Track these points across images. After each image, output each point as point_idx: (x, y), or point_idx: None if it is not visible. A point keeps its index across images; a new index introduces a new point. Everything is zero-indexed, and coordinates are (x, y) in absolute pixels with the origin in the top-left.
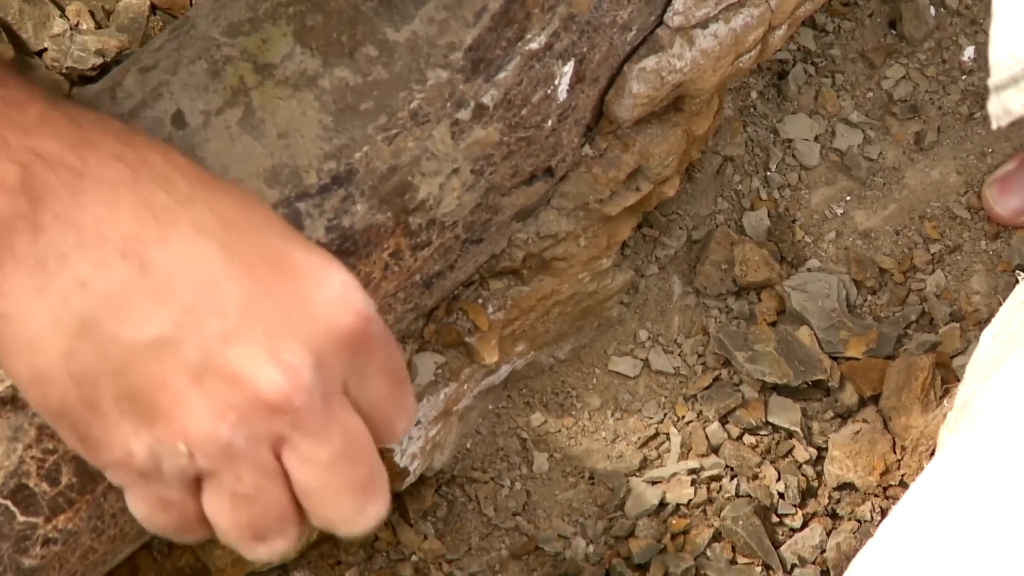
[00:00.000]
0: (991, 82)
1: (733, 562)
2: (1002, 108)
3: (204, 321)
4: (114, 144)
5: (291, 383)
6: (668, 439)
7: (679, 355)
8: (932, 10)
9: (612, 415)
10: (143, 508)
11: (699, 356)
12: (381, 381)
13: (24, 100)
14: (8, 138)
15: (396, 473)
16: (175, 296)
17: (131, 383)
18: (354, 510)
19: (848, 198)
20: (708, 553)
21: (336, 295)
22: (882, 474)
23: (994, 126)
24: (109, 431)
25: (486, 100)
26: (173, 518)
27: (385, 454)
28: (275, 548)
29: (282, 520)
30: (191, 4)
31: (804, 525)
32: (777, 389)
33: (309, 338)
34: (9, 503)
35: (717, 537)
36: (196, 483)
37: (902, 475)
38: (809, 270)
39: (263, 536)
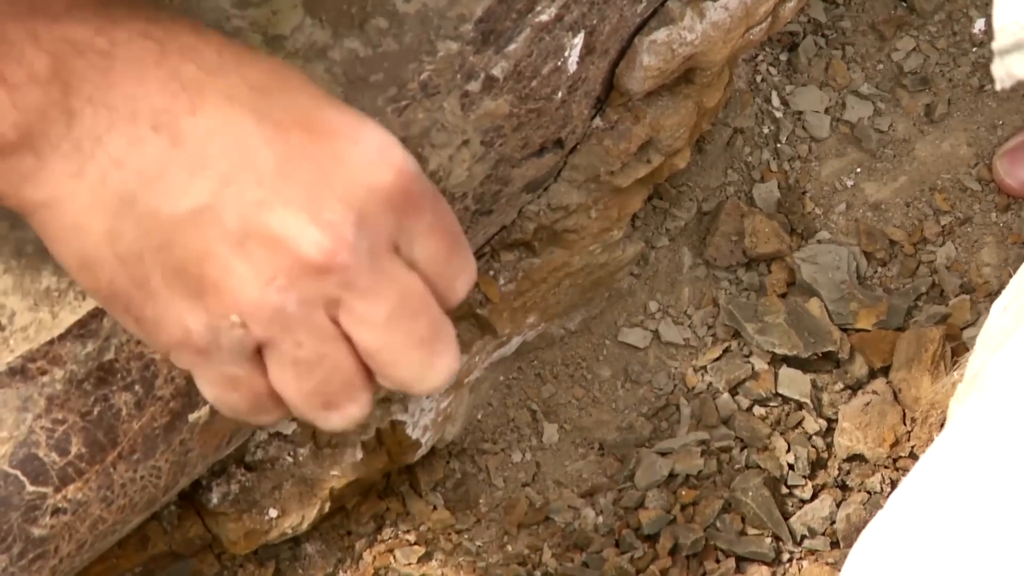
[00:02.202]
0: (995, 46)
1: (743, 533)
2: (1006, 72)
3: (241, 187)
4: (141, 22)
5: (334, 241)
6: (678, 410)
7: (689, 326)
8: None
9: (622, 386)
10: (212, 389)
11: (709, 327)
12: (434, 239)
13: None
14: (38, 30)
15: (408, 445)
16: (210, 165)
17: (176, 257)
18: (422, 365)
19: (858, 170)
20: (718, 524)
21: (374, 152)
22: (892, 445)
23: (998, 87)
24: (162, 310)
25: (496, 72)
26: (244, 395)
27: (396, 427)
28: (348, 415)
29: (350, 385)
30: None
31: (814, 496)
32: (787, 360)
33: (349, 196)
34: (18, 473)
35: (727, 508)
36: (258, 356)
37: (912, 446)
38: (819, 242)
39: (333, 403)
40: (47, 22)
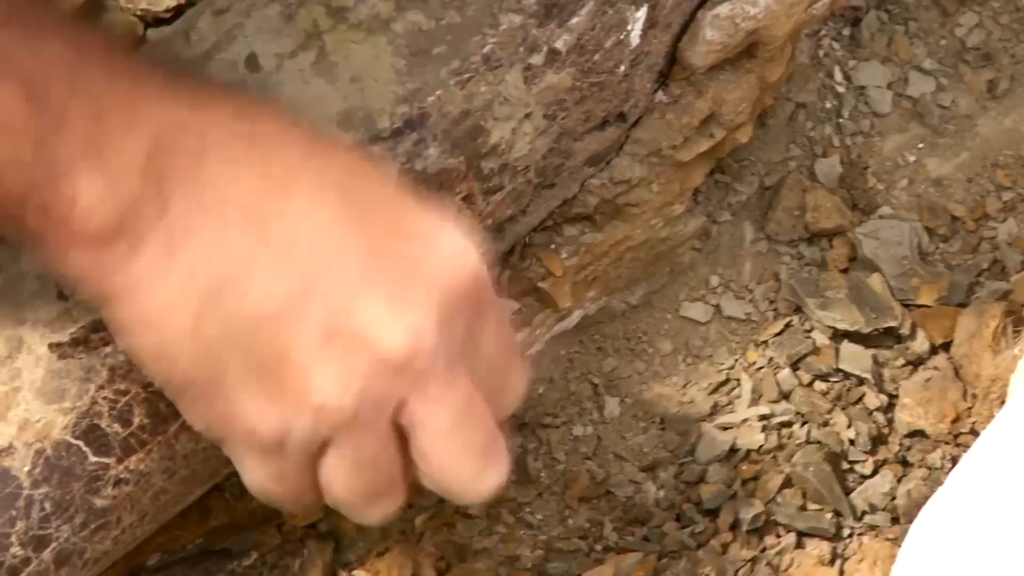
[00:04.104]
0: None
1: (803, 508)
2: None
3: (326, 288)
4: (230, 119)
5: (416, 342)
6: (739, 385)
7: (750, 301)
8: None
9: (683, 360)
10: (258, 481)
11: (770, 302)
12: (494, 348)
13: (144, 76)
14: (138, 112)
15: None
16: (297, 264)
17: (256, 356)
18: (472, 476)
19: (920, 146)
20: (778, 499)
21: (454, 256)
22: (953, 421)
23: None
24: (233, 407)
25: (559, 45)
26: (287, 490)
27: None
28: (384, 511)
29: (393, 484)
30: None
31: (875, 472)
32: (848, 336)
33: (430, 298)
34: (81, 443)
35: (787, 483)
36: (317, 455)
37: (973, 423)
38: (881, 217)
39: (374, 499)
40: (146, 102)
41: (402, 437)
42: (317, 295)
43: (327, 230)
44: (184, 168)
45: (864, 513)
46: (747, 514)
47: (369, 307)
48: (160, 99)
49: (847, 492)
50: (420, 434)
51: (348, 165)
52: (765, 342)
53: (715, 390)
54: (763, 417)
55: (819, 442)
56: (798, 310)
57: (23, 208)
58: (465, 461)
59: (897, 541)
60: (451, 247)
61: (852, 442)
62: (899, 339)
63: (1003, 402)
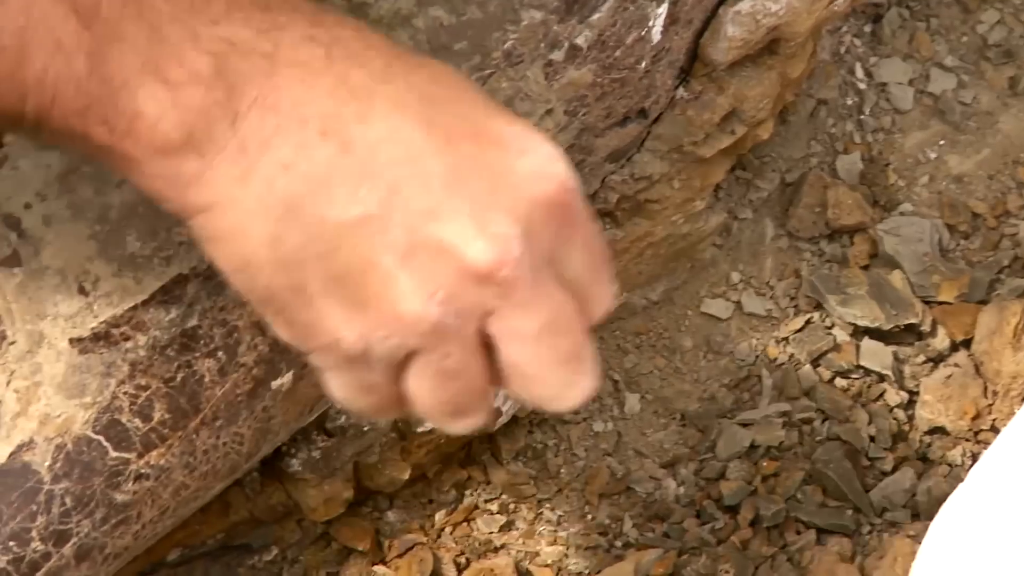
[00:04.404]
0: None
1: (824, 505)
2: None
3: (409, 197)
4: (304, 25)
5: (500, 253)
6: (760, 381)
7: (771, 297)
8: None
9: (704, 356)
10: (344, 392)
11: (791, 299)
12: (584, 256)
13: None
14: (198, 30)
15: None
16: (378, 173)
17: (339, 265)
18: (563, 383)
19: (942, 142)
20: (799, 496)
21: (540, 164)
22: (973, 418)
23: None
24: (316, 317)
25: (580, 41)
26: (373, 400)
27: None
28: (470, 423)
29: (478, 395)
30: None
31: (895, 469)
32: (869, 332)
33: (516, 208)
34: (102, 438)
35: (808, 480)
36: (402, 365)
37: (993, 419)
38: (902, 214)
39: (461, 412)
40: (206, 23)
41: (488, 349)
42: (400, 204)
43: (410, 139)
44: (256, 78)
45: (884, 510)
46: (767, 510)
47: (454, 217)
48: (227, 11)
49: (867, 489)
50: (508, 343)
51: (432, 74)
52: (786, 338)
53: (736, 386)
54: (784, 414)
55: (840, 438)
56: (819, 307)
57: (86, 122)
58: (555, 369)
59: (917, 538)
60: (539, 156)
61: (873, 439)
62: (920, 336)
63: (1023, 399)
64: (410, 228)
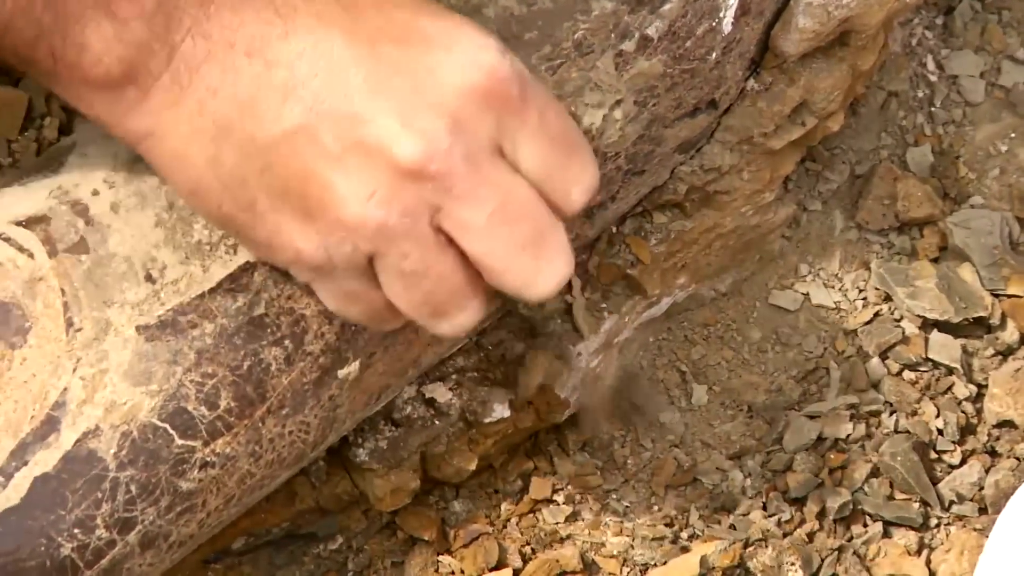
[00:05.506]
0: None
1: (891, 498)
2: None
3: (334, 106)
4: None
5: (427, 147)
6: (827, 374)
7: (840, 290)
8: None
9: (772, 348)
10: (331, 302)
11: (860, 291)
12: (542, 142)
13: None
14: None
15: (556, 404)
16: (302, 87)
17: (278, 178)
18: (529, 270)
19: (1013, 135)
20: (865, 488)
21: (467, 56)
22: None
23: None
24: (274, 232)
25: (651, 31)
26: (363, 308)
27: (545, 386)
28: (457, 323)
29: (458, 293)
30: None
31: (963, 462)
32: (938, 325)
33: (441, 102)
34: (167, 426)
35: (875, 473)
36: (372, 270)
37: None
38: (972, 207)
39: (442, 311)
40: None
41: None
42: (327, 112)
43: (331, 49)
44: (190, 8)
45: (952, 503)
46: (834, 503)
47: (379, 118)
48: None
49: (935, 482)
50: (461, 236)
51: None
52: (854, 331)
53: (803, 378)
54: (851, 406)
55: (907, 431)
56: (888, 299)
57: (35, 51)
58: (515, 256)
59: (984, 531)
60: (467, 47)
61: (940, 432)
62: (989, 329)
63: None
64: (338, 135)
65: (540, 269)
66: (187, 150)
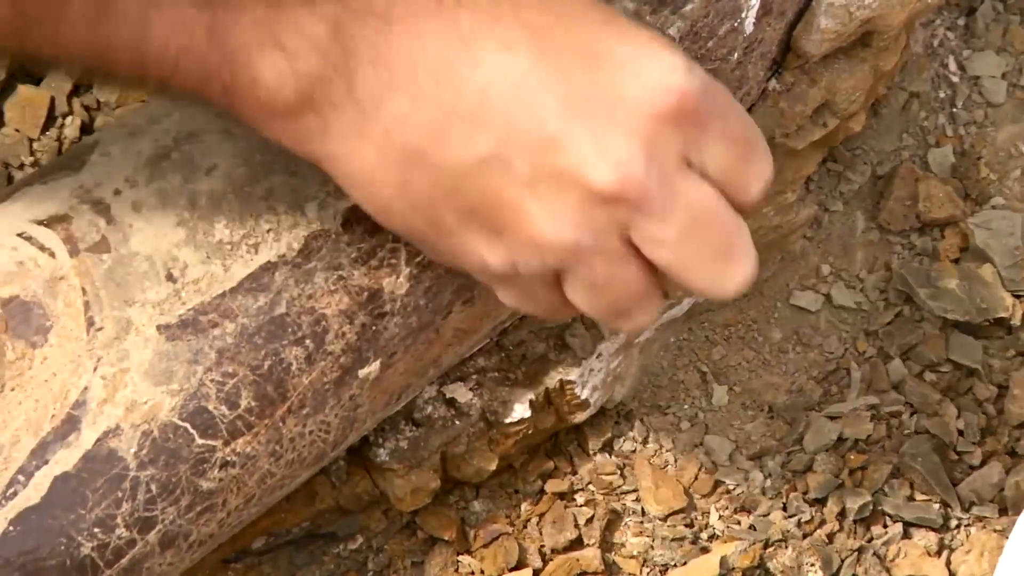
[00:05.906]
0: None
1: (911, 499)
2: None
3: (526, 132)
4: None
5: (623, 174)
6: (848, 374)
7: (861, 290)
8: None
9: (793, 349)
10: (512, 301)
11: (881, 292)
12: (724, 146)
13: None
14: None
15: (576, 405)
16: (493, 114)
17: (468, 202)
18: (717, 277)
19: None
20: (886, 489)
21: (658, 79)
22: None
23: None
24: (460, 245)
25: (672, 32)
26: (541, 306)
27: (565, 386)
28: (638, 322)
29: (640, 298)
30: None
31: (983, 463)
32: (959, 326)
33: (636, 128)
34: (188, 425)
35: (895, 473)
36: (555, 277)
37: None
38: (994, 208)
39: (624, 313)
40: None
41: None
42: (518, 140)
43: (520, 76)
44: (370, 39)
45: (972, 504)
46: (854, 504)
47: (573, 144)
48: None
49: (955, 483)
50: (652, 251)
51: (542, 7)
52: (875, 331)
53: (824, 379)
54: (872, 407)
55: (928, 432)
56: (909, 300)
57: (207, 89)
58: (705, 267)
59: (1005, 532)
60: (656, 70)
61: (961, 433)
62: (1009, 330)
63: None
64: (531, 161)
65: (727, 273)
66: (375, 175)
